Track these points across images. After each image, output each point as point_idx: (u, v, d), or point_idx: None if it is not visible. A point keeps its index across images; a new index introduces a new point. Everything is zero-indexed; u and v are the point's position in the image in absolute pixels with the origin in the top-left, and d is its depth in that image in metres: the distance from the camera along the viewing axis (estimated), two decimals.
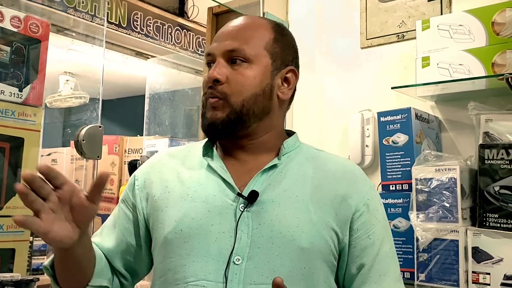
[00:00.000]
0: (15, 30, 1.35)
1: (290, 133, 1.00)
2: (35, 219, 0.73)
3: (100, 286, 0.91)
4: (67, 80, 4.41)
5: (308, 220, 0.86)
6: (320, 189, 0.90)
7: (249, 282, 0.82)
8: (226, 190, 0.89)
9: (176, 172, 0.94)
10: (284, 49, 0.96)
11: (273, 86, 0.93)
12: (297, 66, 0.99)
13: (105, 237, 0.98)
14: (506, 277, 1.13)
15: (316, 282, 0.85)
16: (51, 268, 0.88)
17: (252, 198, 0.86)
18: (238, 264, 0.83)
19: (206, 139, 0.98)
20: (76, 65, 4.30)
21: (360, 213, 0.90)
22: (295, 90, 0.99)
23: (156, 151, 4.17)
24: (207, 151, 0.95)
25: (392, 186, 1.38)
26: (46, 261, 0.89)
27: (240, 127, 0.90)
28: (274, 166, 0.91)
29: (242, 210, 0.86)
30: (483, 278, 1.16)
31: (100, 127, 1.44)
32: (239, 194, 0.87)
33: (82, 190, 0.77)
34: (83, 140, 1.39)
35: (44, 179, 0.73)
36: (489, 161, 1.21)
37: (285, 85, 0.95)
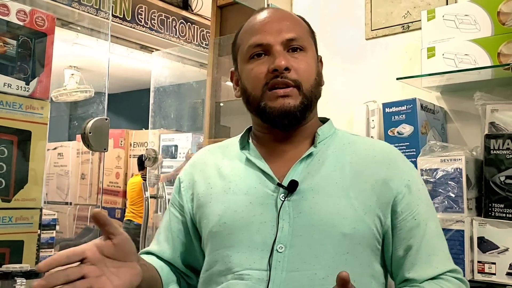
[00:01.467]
0: (21, 23, 1.36)
1: (324, 120, 1.01)
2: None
3: None
4: (72, 74, 4.42)
5: (349, 206, 0.87)
6: (359, 174, 0.91)
7: (292, 269, 0.84)
8: (266, 181, 0.91)
9: (217, 168, 0.98)
10: (315, 38, 1.01)
11: (320, 72, 0.98)
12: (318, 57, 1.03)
13: (162, 243, 1.01)
14: None
15: (360, 266, 0.86)
16: None
17: (291, 187, 0.88)
18: (281, 252, 0.85)
19: (241, 133, 1.02)
20: (81, 59, 4.31)
21: (403, 195, 0.90)
22: None
23: (175, 146, 4.18)
24: (243, 145, 0.98)
25: None
26: None
27: (309, 113, 0.93)
28: (311, 154, 0.93)
29: (282, 200, 0.88)
30: (489, 268, 1.16)
31: (106, 119, 1.45)
32: (279, 184, 0.89)
33: (101, 239, 0.77)
34: (90, 133, 1.40)
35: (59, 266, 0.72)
36: (494, 151, 1.20)
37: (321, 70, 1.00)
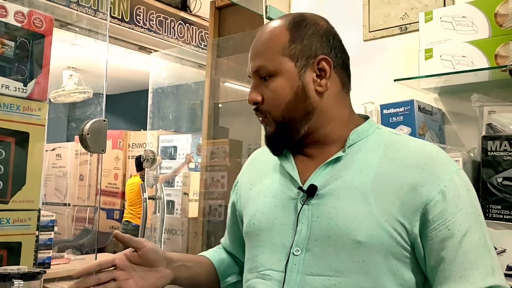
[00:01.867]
0: (19, 25, 1.36)
1: (366, 118, 0.98)
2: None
3: (231, 283, 1.08)
4: (71, 75, 4.42)
5: (367, 212, 0.83)
6: (384, 178, 0.86)
7: (307, 273, 0.85)
8: (290, 184, 0.93)
9: (258, 170, 1.03)
10: (305, 43, 0.91)
11: (305, 85, 0.90)
12: (332, 49, 0.93)
13: (226, 236, 1.15)
14: (509, 267, 1.13)
15: (380, 275, 0.82)
16: None
17: (310, 191, 0.89)
18: (297, 255, 0.87)
19: None
20: (79, 60, 4.31)
21: (435, 202, 0.83)
22: (345, 69, 0.99)
23: (174, 147, 4.19)
24: None
25: None
26: None
27: (291, 135, 0.93)
28: (338, 158, 0.90)
29: (302, 203, 0.89)
30: None
31: (104, 121, 1.45)
32: (300, 188, 0.90)
33: (130, 250, 0.94)
34: (88, 134, 1.40)
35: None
36: (492, 153, 1.21)
37: (322, 75, 0.92)
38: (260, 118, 0.95)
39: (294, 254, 0.87)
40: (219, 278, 1.07)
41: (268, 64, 0.91)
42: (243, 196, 1.04)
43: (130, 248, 0.93)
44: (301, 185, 0.91)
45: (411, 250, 0.84)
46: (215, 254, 1.11)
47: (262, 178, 1.00)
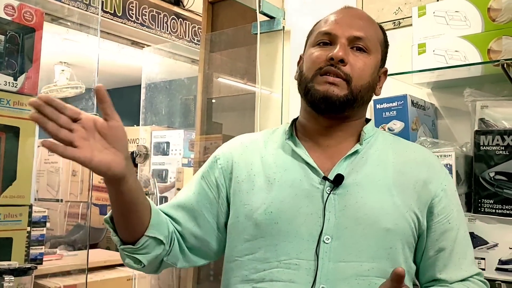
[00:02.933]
0: (9, 18, 1.34)
1: (366, 120, 1.05)
2: (67, 147, 0.75)
3: (155, 238, 0.93)
4: (63, 70, 4.39)
5: (392, 203, 0.91)
6: (402, 174, 0.95)
7: (338, 260, 0.87)
8: (311, 174, 0.94)
9: (260, 156, 1.00)
10: (387, 50, 1.05)
11: (376, 80, 1.00)
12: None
13: (178, 210, 1.01)
14: (501, 262, 1.14)
15: (399, 261, 0.91)
16: (111, 220, 0.92)
17: (337, 181, 0.91)
18: (327, 243, 0.88)
19: (286, 124, 1.05)
20: (71, 55, 4.27)
21: (439, 198, 0.95)
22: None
23: (167, 142, 4.17)
24: (288, 136, 1.01)
25: None
26: (107, 214, 0.93)
27: (349, 109, 0.95)
28: (356, 152, 0.96)
29: (328, 193, 0.91)
30: (478, 263, 1.16)
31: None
32: (325, 178, 0.92)
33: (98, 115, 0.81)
34: None
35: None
36: (484, 147, 1.21)
37: (381, 81, 1.03)
38: (334, 77, 0.92)
39: (324, 242, 0.88)
40: (149, 224, 0.92)
41: (372, 41, 0.97)
42: (241, 180, 0.98)
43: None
44: (324, 175, 0.93)
45: (417, 240, 0.95)
46: (156, 208, 0.97)
47: (268, 165, 0.98)
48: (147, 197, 0.94)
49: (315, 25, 1.05)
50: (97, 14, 1.91)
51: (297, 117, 1.06)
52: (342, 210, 0.90)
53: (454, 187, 1.00)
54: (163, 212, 1.00)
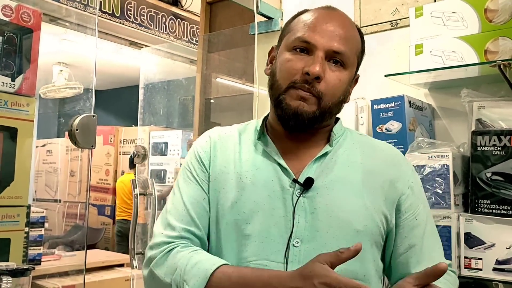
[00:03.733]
0: (7, 19, 1.34)
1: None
2: None
3: None
4: (61, 71, 4.38)
5: (362, 204, 0.91)
6: (370, 174, 0.94)
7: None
8: (282, 175, 0.92)
9: (234, 153, 0.97)
10: (363, 57, 1.02)
11: (348, 92, 0.97)
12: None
13: (196, 222, 0.93)
14: (498, 262, 1.14)
15: (367, 262, 0.91)
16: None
17: (307, 184, 0.90)
18: (297, 247, 0.87)
19: (256, 121, 1.02)
20: (69, 55, 4.27)
21: (406, 195, 0.95)
22: None
23: (165, 143, 4.15)
24: (259, 135, 0.98)
25: None
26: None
27: (319, 123, 0.93)
28: (326, 153, 0.95)
29: (298, 195, 0.90)
30: (475, 263, 1.17)
31: (93, 116, 1.43)
32: (295, 180, 0.91)
33: None
34: (77, 130, 1.39)
35: None
36: (481, 148, 1.21)
37: (351, 89, 1.00)
38: (305, 93, 0.89)
39: (294, 246, 0.87)
40: None
41: (350, 55, 0.94)
42: (215, 176, 0.95)
43: None
44: (294, 177, 0.91)
45: (385, 239, 0.95)
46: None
47: (241, 163, 0.95)
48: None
49: (293, 20, 0.99)
50: (95, 14, 1.90)
51: (268, 114, 1.02)
52: (312, 213, 0.89)
53: (420, 184, 1.01)
54: (194, 234, 0.93)
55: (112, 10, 3.29)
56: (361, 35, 1.01)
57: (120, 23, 3.37)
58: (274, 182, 0.92)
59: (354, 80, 1.01)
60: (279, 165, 0.93)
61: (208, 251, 0.93)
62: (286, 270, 0.85)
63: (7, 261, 1.27)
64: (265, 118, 1.03)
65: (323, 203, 0.90)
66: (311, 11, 0.97)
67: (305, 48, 0.91)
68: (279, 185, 0.91)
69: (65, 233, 4.88)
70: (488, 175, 1.19)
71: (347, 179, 0.93)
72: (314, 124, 0.92)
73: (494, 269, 1.15)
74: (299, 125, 0.91)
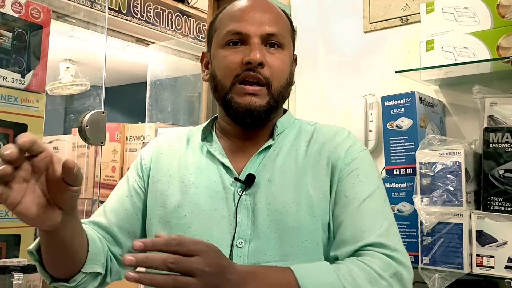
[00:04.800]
0: (16, 15, 1.34)
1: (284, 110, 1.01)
2: (4, 191, 0.63)
3: (93, 272, 0.86)
4: (68, 67, 4.39)
5: (304, 192, 0.87)
6: (312, 158, 0.91)
7: (254, 263, 0.83)
8: (225, 175, 0.90)
9: (179, 156, 0.95)
10: (295, 36, 0.99)
11: (292, 72, 0.96)
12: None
13: (109, 214, 0.95)
14: (510, 259, 1.13)
15: (323, 252, 0.85)
16: (37, 252, 0.82)
17: (248, 181, 0.87)
18: (240, 247, 0.84)
19: (205, 123, 0.99)
20: (76, 52, 4.28)
21: (344, 173, 0.89)
22: None
23: None
24: (205, 135, 0.96)
25: (396, 171, 1.38)
26: (31, 245, 0.83)
27: (274, 113, 0.92)
28: (269, 147, 0.92)
29: (240, 194, 0.87)
30: (487, 261, 1.16)
31: (103, 113, 1.43)
32: (236, 179, 0.88)
33: (61, 161, 0.65)
34: (87, 126, 1.39)
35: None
36: (493, 145, 1.20)
37: (293, 70, 0.98)
38: (254, 86, 0.87)
39: (237, 247, 0.84)
40: (86, 259, 0.84)
41: (285, 34, 0.92)
42: (157, 180, 0.94)
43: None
44: (237, 175, 0.89)
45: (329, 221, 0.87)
46: (90, 232, 0.89)
47: (186, 166, 0.93)
48: (84, 227, 0.84)
49: (217, 18, 0.96)
50: (103, 12, 1.90)
51: (217, 115, 1.01)
52: (253, 210, 0.86)
53: (365, 162, 0.91)
54: (96, 223, 0.93)
55: (119, 7, 3.29)
56: (287, 15, 0.99)
57: (126, 20, 3.37)
58: (217, 183, 0.89)
59: (294, 60, 0.99)
60: (222, 164, 0.91)
61: None
62: None
63: (17, 257, 1.27)
64: (214, 119, 1.01)
65: (263, 198, 0.87)
66: (233, 5, 0.94)
67: (238, 40, 0.89)
68: (222, 185, 0.89)
69: None
70: (501, 172, 1.18)
71: (288, 169, 0.89)
72: (270, 115, 0.90)
73: (507, 267, 1.14)
74: (255, 120, 0.88)
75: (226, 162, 0.91)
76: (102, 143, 1.45)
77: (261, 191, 0.87)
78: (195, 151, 0.96)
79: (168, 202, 0.90)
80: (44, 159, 0.66)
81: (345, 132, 0.96)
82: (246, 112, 0.87)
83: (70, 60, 4.55)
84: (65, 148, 5.71)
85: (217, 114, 1.01)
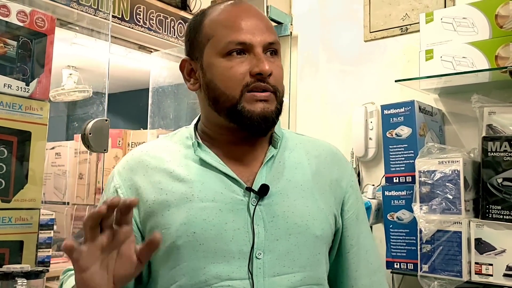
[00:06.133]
0: (21, 24, 1.36)
1: None
2: (82, 250, 0.69)
3: None
4: (70, 74, 4.41)
5: (316, 208, 0.89)
6: (318, 175, 0.93)
7: (272, 275, 0.83)
8: (232, 186, 0.87)
9: (166, 172, 0.89)
10: None
11: None
12: None
13: None
14: (509, 267, 1.14)
15: (323, 265, 0.90)
16: None
17: (263, 191, 0.86)
18: (260, 259, 0.83)
19: (183, 131, 0.96)
20: (79, 59, 4.30)
21: (349, 194, 0.95)
22: None
23: None
24: (196, 147, 0.91)
25: (396, 179, 1.39)
26: None
27: (277, 120, 0.92)
28: (272, 156, 0.91)
29: (254, 205, 0.85)
30: (486, 269, 1.17)
31: (106, 120, 1.45)
32: (249, 189, 0.86)
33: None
34: (90, 134, 1.40)
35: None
36: (492, 154, 1.21)
37: None
38: (263, 93, 0.86)
39: (257, 258, 0.83)
40: None
41: (279, 42, 0.93)
42: (151, 203, 0.86)
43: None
44: (245, 185, 0.86)
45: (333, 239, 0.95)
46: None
47: (182, 180, 0.87)
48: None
49: (207, 25, 0.91)
50: (106, 19, 1.92)
51: (197, 123, 0.96)
52: (271, 221, 0.85)
53: (357, 181, 1.01)
54: None
55: (122, 15, 3.32)
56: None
57: (129, 27, 3.39)
58: (224, 195, 0.86)
59: None
60: (226, 175, 0.87)
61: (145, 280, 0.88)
62: (253, 284, 0.82)
63: (20, 263, 1.28)
64: (195, 126, 0.96)
65: (280, 210, 0.86)
66: (221, 10, 0.91)
67: (241, 49, 0.87)
68: (230, 196, 0.86)
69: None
70: (499, 180, 1.19)
71: (298, 183, 0.90)
72: (278, 119, 0.91)
73: (505, 275, 1.14)
74: (269, 126, 0.88)
75: (229, 172, 0.87)
76: (104, 150, 1.46)
77: (276, 204, 0.87)
78: (185, 161, 0.90)
79: (172, 222, 0.84)
80: (125, 233, 0.72)
81: (338, 150, 1.01)
82: (261, 118, 0.86)
83: (73, 67, 4.57)
84: (67, 154, 5.73)
85: (188, 125, 0.96)
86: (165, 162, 0.90)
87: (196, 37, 0.92)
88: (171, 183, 0.87)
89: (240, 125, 0.88)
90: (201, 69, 0.91)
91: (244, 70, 0.87)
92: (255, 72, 0.86)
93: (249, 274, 0.82)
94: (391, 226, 1.36)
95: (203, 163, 0.89)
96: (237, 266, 0.82)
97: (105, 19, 1.96)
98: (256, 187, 0.86)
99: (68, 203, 5.50)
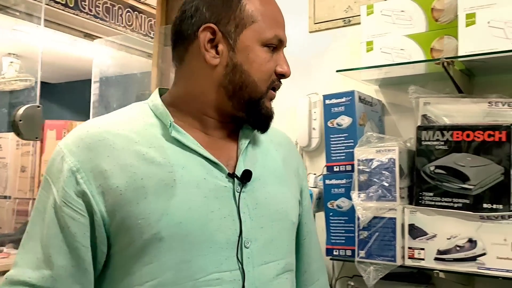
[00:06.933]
0: None
1: None
2: None
3: None
4: (11, 62, 4.21)
5: (290, 194, 0.93)
6: (286, 163, 0.96)
7: (260, 263, 0.82)
8: (214, 171, 0.81)
9: (138, 153, 0.78)
10: None
11: None
12: None
13: (60, 273, 0.76)
14: (439, 251, 1.19)
15: (294, 250, 0.94)
16: None
17: (246, 177, 0.83)
18: (248, 248, 0.80)
19: (133, 107, 0.87)
20: (20, 46, 4.11)
21: (304, 182, 1.02)
22: None
23: None
24: (172, 129, 0.81)
25: (336, 167, 1.41)
26: None
27: None
28: (249, 143, 0.90)
29: (239, 191, 0.82)
30: (418, 254, 1.21)
31: (38, 106, 1.39)
32: (231, 175, 0.82)
33: None
34: (20, 121, 1.34)
35: None
36: (425, 142, 1.26)
37: None
38: (275, 92, 0.90)
39: (245, 247, 0.80)
40: None
41: None
42: (122, 190, 0.75)
43: None
44: (227, 171, 0.82)
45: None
46: None
47: (160, 164, 0.77)
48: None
49: (248, 6, 0.84)
50: (41, 2, 1.84)
51: (159, 98, 0.86)
52: (255, 209, 0.83)
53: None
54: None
55: (66, 1, 3.19)
56: None
57: (73, 14, 3.27)
58: (207, 181, 0.79)
59: None
60: (207, 159, 0.81)
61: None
62: (243, 273, 0.78)
63: None
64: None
65: (262, 197, 0.85)
66: (268, 1, 0.88)
67: (275, 46, 0.87)
68: (214, 183, 0.80)
69: (15, 230, 4.70)
70: (432, 168, 1.23)
71: (272, 169, 0.92)
72: None
73: (436, 259, 1.19)
74: (269, 125, 0.91)
75: (210, 156, 0.81)
76: (36, 138, 1.40)
77: (257, 190, 0.85)
78: (158, 142, 0.80)
79: (149, 210, 0.75)
80: None
81: (290, 139, 1.07)
82: (270, 117, 0.89)
83: (14, 54, 4.36)
84: (8, 146, 5.48)
85: (147, 101, 0.86)
86: (133, 142, 0.79)
87: (233, 8, 0.83)
88: (146, 166, 0.77)
89: (252, 118, 0.86)
90: (230, 46, 0.83)
91: (273, 66, 0.87)
92: (280, 72, 0.87)
93: (238, 264, 0.79)
94: (331, 214, 1.39)
95: (180, 145, 0.80)
96: (225, 256, 0.78)
97: (40, 2, 1.87)
98: (239, 172, 0.83)
99: (9, 197, 5.27)
